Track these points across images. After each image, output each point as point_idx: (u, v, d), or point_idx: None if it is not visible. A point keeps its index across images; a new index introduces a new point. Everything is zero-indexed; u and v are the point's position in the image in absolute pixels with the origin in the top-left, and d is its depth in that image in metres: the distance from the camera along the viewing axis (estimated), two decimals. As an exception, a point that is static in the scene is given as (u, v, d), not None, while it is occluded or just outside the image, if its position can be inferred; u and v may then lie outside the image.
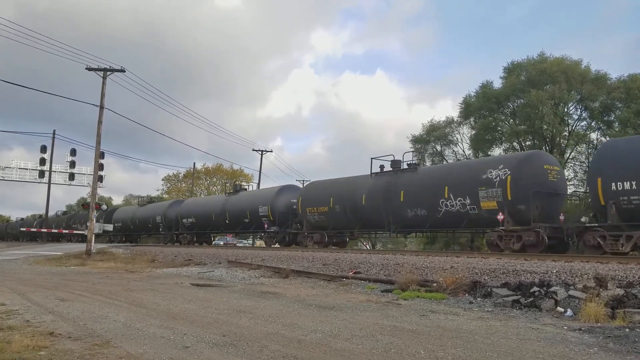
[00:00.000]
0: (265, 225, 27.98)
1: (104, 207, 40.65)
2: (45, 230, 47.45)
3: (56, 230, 48.13)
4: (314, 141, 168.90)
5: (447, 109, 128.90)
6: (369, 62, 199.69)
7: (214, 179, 71.29)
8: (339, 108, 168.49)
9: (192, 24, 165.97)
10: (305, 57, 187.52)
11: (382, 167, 22.59)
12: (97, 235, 44.79)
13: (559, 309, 8.04)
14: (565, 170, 29.72)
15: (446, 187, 18.39)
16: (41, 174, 47.13)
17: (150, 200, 46.53)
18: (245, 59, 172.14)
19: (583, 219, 16.04)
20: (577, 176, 34.65)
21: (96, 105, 26.50)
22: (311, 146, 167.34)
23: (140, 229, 42.11)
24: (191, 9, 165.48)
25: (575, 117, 35.26)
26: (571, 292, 8.33)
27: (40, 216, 76.22)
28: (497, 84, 37.04)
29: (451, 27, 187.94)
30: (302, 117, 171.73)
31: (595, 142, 33.50)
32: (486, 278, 10.47)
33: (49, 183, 48.42)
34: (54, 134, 47.74)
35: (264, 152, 51.82)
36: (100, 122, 26.55)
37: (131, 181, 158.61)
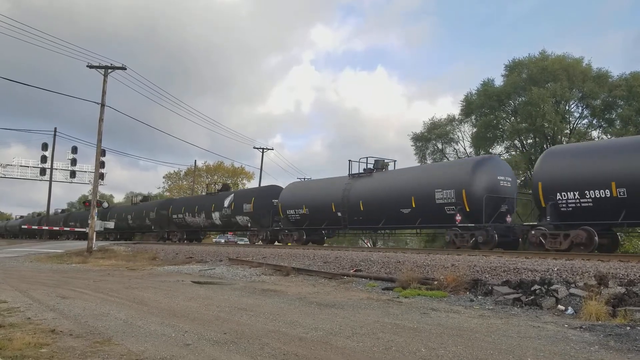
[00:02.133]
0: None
1: (105, 204, 40.55)
2: (47, 227, 47.57)
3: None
4: (314, 139, 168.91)
5: (448, 105, 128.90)
6: (370, 58, 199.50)
7: (215, 177, 71.33)
8: (339, 105, 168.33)
9: (189, 18, 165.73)
10: (305, 53, 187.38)
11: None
12: (276, 233, 28.22)
13: (560, 307, 8.05)
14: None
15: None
16: (42, 171, 47.20)
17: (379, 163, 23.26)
18: (243, 55, 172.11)
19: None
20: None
21: (97, 103, 26.52)
22: (311, 144, 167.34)
23: (371, 217, 21.69)
24: (188, 3, 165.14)
25: (577, 115, 35.27)
26: (572, 290, 8.33)
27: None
28: (499, 81, 37.05)
29: (451, 23, 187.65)
30: (302, 114, 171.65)
31: (596, 140, 33.47)
32: (487, 276, 10.47)
33: (50, 180, 48.48)
34: (55, 131, 47.77)
35: (265, 150, 51.79)
36: (101, 119, 26.56)
37: (130, 179, 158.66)
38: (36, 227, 51.03)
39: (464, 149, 40.56)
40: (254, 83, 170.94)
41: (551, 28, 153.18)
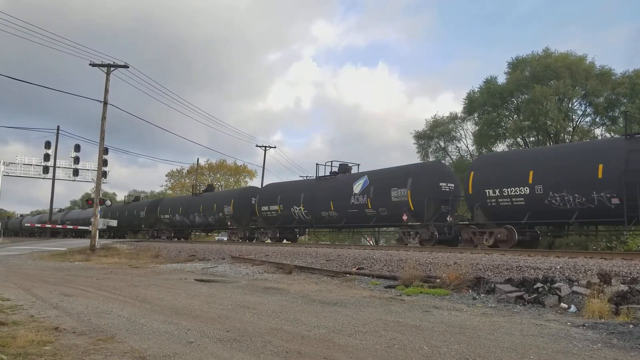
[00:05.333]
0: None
1: (108, 202, 40.53)
2: (50, 226, 47.67)
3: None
4: (314, 136, 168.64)
5: (449, 102, 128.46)
6: (371, 54, 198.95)
7: (218, 175, 71.38)
8: (339, 101, 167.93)
9: (187, 12, 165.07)
10: (306, 49, 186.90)
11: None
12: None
13: (563, 305, 8.04)
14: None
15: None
16: (45, 169, 47.27)
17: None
18: (243, 50, 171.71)
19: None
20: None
21: (100, 101, 26.51)
22: (312, 140, 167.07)
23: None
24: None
25: (580, 112, 35.09)
26: (575, 288, 8.32)
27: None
28: (502, 79, 36.90)
29: (453, 19, 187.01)
30: (302, 111, 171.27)
31: (599, 137, 33.38)
32: (490, 274, 10.46)
33: (53, 179, 48.58)
34: (57, 129, 47.82)
35: (267, 148, 51.77)
36: (104, 118, 26.53)
37: (131, 177, 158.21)
38: (39, 226, 51.23)
39: (467, 147, 40.50)
40: (254, 79, 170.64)
41: (553, 25, 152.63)
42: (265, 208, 27.71)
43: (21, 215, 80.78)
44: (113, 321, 6.73)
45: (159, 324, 6.58)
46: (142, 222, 40.84)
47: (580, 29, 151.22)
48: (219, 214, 31.58)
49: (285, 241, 27.96)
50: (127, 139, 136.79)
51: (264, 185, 31.33)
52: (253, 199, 29.59)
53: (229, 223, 31.38)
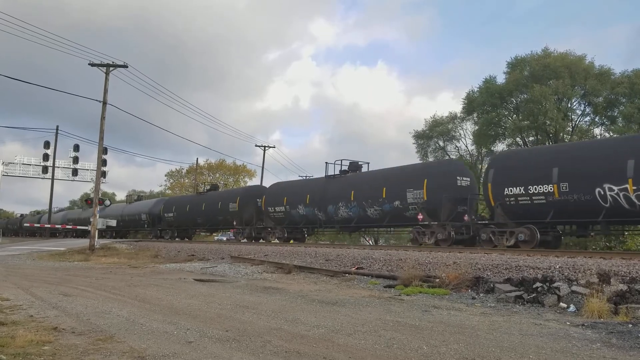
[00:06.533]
0: None
1: (107, 202, 40.39)
2: (50, 225, 47.63)
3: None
4: (313, 135, 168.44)
5: (448, 101, 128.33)
6: (371, 53, 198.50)
7: (217, 175, 71.35)
8: (338, 101, 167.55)
9: (186, 12, 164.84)
10: (305, 48, 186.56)
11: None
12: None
13: (562, 304, 8.04)
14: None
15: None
16: (44, 169, 47.23)
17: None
18: (243, 50, 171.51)
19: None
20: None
21: (99, 101, 26.49)
22: (310, 140, 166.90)
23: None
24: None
25: (579, 112, 35.16)
26: (574, 288, 8.33)
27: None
28: (501, 79, 36.97)
29: (452, 18, 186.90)
30: (301, 110, 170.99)
31: (599, 137, 33.42)
32: (489, 274, 10.47)
33: (52, 179, 48.54)
34: (57, 129, 47.76)
35: (267, 148, 51.76)
36: (103, 117, 26.51)
37: (129, 177, 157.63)
38: (38, 225, 51.26)
39: (466, 146, 40.58)
40: (253, 78, 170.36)
41: (553, 24, 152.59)
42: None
43: (38, 213, 79.88)
44: (112, 321, 6.73)
45: (158, 323, 6.58)
46: (234, 217, 30.92)
47: (580, 28, 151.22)
48: (394, 202, 20.97)
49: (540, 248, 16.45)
50: (126, 138, 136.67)
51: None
52: (461, 177, 19.77)
53: (419, 216, 19.82)
